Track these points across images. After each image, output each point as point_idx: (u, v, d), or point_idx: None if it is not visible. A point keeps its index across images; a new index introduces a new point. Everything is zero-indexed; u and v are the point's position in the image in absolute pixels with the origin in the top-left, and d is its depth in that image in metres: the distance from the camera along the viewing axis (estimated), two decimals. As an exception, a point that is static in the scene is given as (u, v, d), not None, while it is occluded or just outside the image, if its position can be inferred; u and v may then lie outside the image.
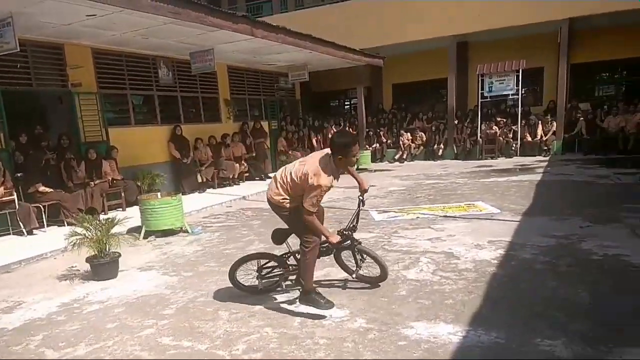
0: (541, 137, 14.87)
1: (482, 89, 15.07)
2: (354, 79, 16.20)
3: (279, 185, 4.06)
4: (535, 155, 14.68)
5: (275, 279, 4.63)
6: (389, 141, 16.99)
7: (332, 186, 3.86)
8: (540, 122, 14.99)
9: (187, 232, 7.58)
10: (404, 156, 16.49)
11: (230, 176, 12.45)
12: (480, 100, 15.25)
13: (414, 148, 16.51)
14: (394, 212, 8.34)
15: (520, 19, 14.18)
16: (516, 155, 15.04)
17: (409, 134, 16.55)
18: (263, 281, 4.62)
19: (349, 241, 4.43)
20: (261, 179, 13.45)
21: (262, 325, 3.99)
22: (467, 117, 16.49)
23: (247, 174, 13.30)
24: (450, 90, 15.79)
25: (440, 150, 16.07)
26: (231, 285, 4.72)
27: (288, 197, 4.03)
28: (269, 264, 4.63)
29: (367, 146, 16.45)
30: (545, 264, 4.93)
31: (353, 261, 4.62)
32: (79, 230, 5.40)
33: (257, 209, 9.28)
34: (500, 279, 4.66)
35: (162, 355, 3.61)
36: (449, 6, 14.93)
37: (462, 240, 6.09)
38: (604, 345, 3.22)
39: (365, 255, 4.56)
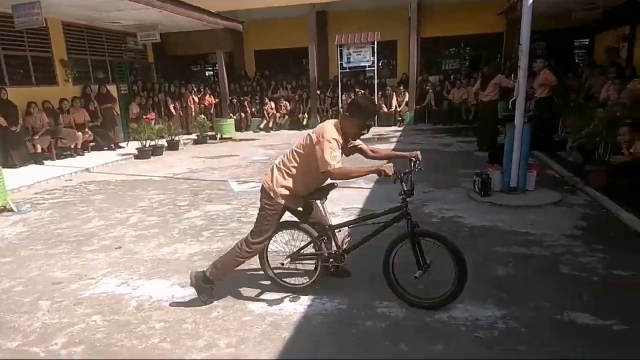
0: (396, 107, 15.72)
1: (341, 59, 15.36)
2: (213, 43, 15.37)
3: (276, 169, 3.37)
4: (390, 125, 15.48)
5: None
6: (253, 109, 16.60)
7: (340, 148, 3.20)
8: (394, 93, 15.80)
9: (13, 210, 6.52)
10: (270, 125, 16.27)
11: (72, 146, 11.06)
12: (340, 70, 15.54)
13: (279, 117, 16.36)
14: (255, 182, 8.11)
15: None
16: (374, 126, 15.71)
17: (272, 103, 16.33)
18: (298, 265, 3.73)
19: (403, 214, 3.26)
20: (110, 149, 12.21)
21: (89, 314, 3.51)
22: (328, 87, 16.76)
23: (92, 144, 11.94)
24: (312, 60, 15.81)
25: (305, 120, 16.16)
26: (57, 270, 4.09)
27: (285, 182, 3.31)
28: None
29: (231, 115, 15.89)
30: (390, 227, 5.10)
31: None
32: None
33: (102, 182, 8.35)
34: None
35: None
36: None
37: (318, 208, 6.09)
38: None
39: (434, 243, 3.22)
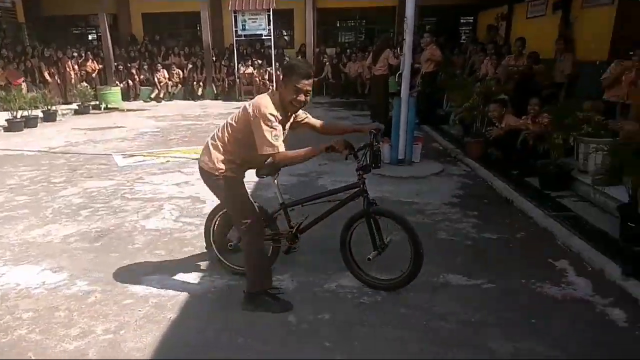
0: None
1: (237, 26, 14.85)
2: (94, 3, 14.01)
3: (210, 145, 3.01)
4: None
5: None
6: (142, 77, 15.54)
7: (281, 124, 2.85)
8: (293, 64, 15.68)
9: None
10: (161, 95, 15.38)
11: None
12: (235, 38, 15.04)
13: (172, 86, 15.52)
14: (143, 156, 7.66)
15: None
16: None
17: (165, 71, 15.42)
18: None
19: (359, 192, 3.10)
20: (-27, 120, 10.75)
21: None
22: (224, 55, 16.19)
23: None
24: (204, 25, 15.07)
25: (200, 90, 15.50)
26: None
27: (223, 156, 2.95)
28: None
29: (117, 82, 14.73)
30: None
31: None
32: None
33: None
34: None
35: None
36: None
37: (210, 183, 5.91)
38: (324, 273, 3.45)
39: (390, 223, 3.13)
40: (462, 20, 17.41)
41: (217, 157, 2.95)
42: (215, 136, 3.02)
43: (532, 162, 5.40)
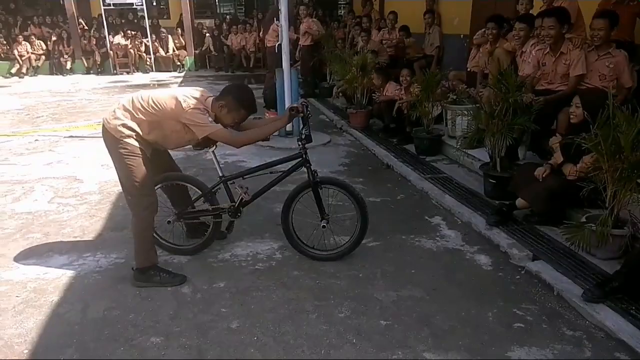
0: (173, 51, 14.91)
1: (104, -5, 13.67)
2: None
3: (122, 107, 2.81)
4: (170, 71, 14.68)
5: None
6: (-1, 50, 13.75)
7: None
8: (170, 36, 14.92)
9: None
10: (24, 70, 13.77)
11: None
12: (103, 7, 13.85)
13: (35, 60, 13.94)
14: (6, 135, 6.90)
15: None
16: (152, 71, 14.68)
17: (28, 44, 13.75)
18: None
19: (302, 162, 3.11)
20: None
21: None
22: (92, 26, 14.87)
23: None
24: (69, -8, 13.72)
25: (69, 64, 14.12)
26: None
27: (133, 123, 2.77)
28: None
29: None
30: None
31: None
32: None
33: None
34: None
35: None
36: None
37: (87, 162, 5.53)
38: (218, 244, 3.46)
39: (336, 190, 3.27)
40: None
41: (126, 122, 2.77)
42: (131, 102, 2.83)
43: (409, 130, 5.84)
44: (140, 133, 2.80)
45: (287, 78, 6.28)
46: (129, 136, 2.77)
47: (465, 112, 5.02)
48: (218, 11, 17.69)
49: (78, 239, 3.57)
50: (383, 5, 11.96)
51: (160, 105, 2.79)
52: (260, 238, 3.58)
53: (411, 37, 8.38)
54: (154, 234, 3.12)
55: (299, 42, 9.79)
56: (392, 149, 5.88)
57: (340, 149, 6.21)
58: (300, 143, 3.07)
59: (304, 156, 3.10)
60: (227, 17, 16.73)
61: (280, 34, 6.24)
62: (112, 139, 2.78)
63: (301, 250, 3.30)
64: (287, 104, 6.33)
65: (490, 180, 4.12)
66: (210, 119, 2.81)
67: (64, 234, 3.65)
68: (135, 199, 2.85)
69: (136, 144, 2.79)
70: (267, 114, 6.55)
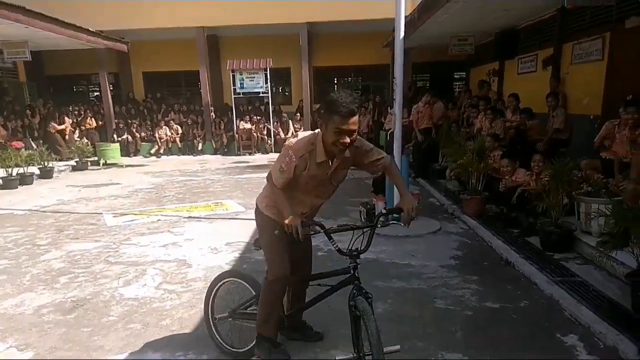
0: (292, 134, 15.71)
1: (235, 84, 15.09)
2: (96, 63, 14.32)
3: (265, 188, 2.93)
4: (287, 152, 15.38)
5: None
6: (142, 134, 15.62)
7: (309, 167, 2.60)
8: (291, 121, 15.82)
9: None
10: (161, 150, 15.43)
11: None
12: (233, 96, 15.25)
13: (172, 142, 15.60)
14: (133, 214, 7.47)
15: (264, 18, 14.46)
16: (272, 152, 15.56)
17: (166, 127, 15.52)
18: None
19: (351, 279, 2.59)
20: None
21: None
22: (223, 113, 16.38)
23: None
24: (204, 84, 15.36)
25: (200, 145, 15.56)
26: None
27: (266, 194, 2.90)
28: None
29: (114, 138, 14.82)
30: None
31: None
32: None
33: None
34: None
35: None
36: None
37: (199, 245, 5.68)
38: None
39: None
40: (455, 75, 17.71)
41: (263, 192, 2.90)
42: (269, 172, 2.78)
43: (533, 221, 5.19)
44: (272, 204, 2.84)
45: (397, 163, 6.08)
46: (265, 208, 2.88)
47: (605, 208, 4.27)
48: (336, 97, 18.57)
49: (175, 332, 3.51)
50: (501, 86, 11.54)
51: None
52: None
53: (534, 118, 7.79)
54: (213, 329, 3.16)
55: (417, 126, 9.77)
56: (513, 241, 5.24)
57: (451, 238, 5.71)
58: (350, 257, 2.56)
59: (352, 271, 2.58)
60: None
61: (393, 120, 6.14)
62: (256, 210, 2.96)
63: None
64: (396, 191, 6.07)
65: (641, 294, 3.37)
66: (288, 158, 2.56)
67: (162, 326, 3.63)
68: (266, 276, 2.86)
69: (270, 214, 2.85)
70: (374, 200, 6.32)
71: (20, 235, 6.28)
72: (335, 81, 18.93)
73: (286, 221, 2.48)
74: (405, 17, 5.98)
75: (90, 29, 12.41)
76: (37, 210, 7.84)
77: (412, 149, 10.17)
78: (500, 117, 8.30)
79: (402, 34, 5.79)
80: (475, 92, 11.80)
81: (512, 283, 4.29)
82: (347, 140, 2.46)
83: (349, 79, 19.14)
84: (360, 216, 6.18)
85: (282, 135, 15.61)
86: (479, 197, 6.35)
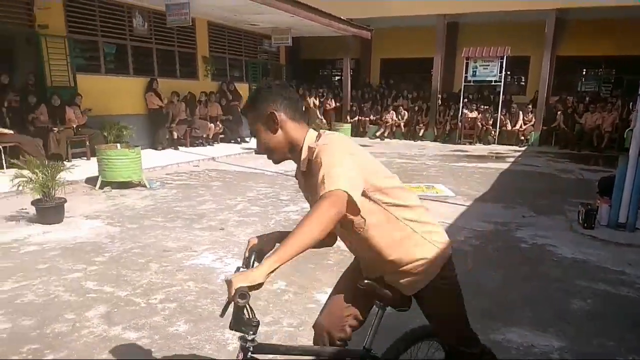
0: (520, 126, 14.95)
1: (467, 72, 15.04)
2: (342, 50, 16.07)
3: None
4: (512, 145, 14.78)
5: None
6: (372, 117, 16.97)
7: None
8: (521, 112, 15.04)
9: (145, 186, 7.64)
10: (385, 134, 16.52)
11: (204, 135, 12.44)
12: (464, 84, 15.23)
13: (396, 126, 16.55)
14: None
15: (508, 5, 14.01)
16: (494, 143, 15.13)
17: (394, 112, 16.53)
18: None
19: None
20: (236, 142, 13.45)
21: (186, 279, 4.12)
22: (451, 99, 16.51)
23: (222, 135, 13.27)
24: (436, 71, 15.75)
25: (421, 131, 16.12)
26: (169, 240, 4.80)
27: None
28: None
29: (348, 119, 16.48)
30: (474, 247, 5.09)
31: None
32: (25, 172, 5.43)
33: (223, 171, 9.34)
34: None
35: (82, 297, 3.74)
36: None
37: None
38: (494, 323, 3.39)
39: None
40: None
41: None
42: None
43: None
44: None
45: (631, 165, 5.51)
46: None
47: None
48: (579, 89, 16.86)
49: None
50: None
51: None
52: (542, 331, 3.30)
53: None
54: None
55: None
56: None
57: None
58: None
59: None
60: (586, 94, 15.76)
61: (636, 118, 5.58)
62: None
63: None
64: (627, 193, 5.54)
65: None
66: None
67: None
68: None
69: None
70: (599, 201, 5.86)
71: (268, 191, 7.81)
72: (584, 72, 17.15)
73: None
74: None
75: (342, 17, 14.04)
76: (282, 173, 9.49)
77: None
78: None
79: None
80: None
81: None
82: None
83: (599, 71, 17.07)
84: (578, 217, 5.83)
85: (509, 127, 15.00)
86: None
